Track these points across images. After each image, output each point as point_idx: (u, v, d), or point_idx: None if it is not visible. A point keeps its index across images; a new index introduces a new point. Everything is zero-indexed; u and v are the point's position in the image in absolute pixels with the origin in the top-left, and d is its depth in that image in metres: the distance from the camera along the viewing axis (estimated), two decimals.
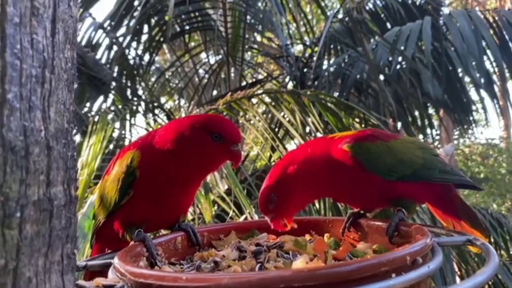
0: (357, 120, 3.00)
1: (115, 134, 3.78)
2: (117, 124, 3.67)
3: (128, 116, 3.76)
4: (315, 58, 4.03)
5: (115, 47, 4.52)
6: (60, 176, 0.58)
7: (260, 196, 1.12)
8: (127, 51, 4.59)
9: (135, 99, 4.42)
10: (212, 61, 4.91)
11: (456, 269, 3.26)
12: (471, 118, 4.45)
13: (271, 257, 0.92)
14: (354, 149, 1.07)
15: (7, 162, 0.49)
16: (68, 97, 0.61)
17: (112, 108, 4.04)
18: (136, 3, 4.34)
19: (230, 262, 0.92)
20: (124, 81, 4.64)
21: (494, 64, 3.95)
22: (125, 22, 4.44)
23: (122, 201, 1.06)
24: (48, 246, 0.54)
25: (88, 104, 4.39)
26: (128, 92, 4.60)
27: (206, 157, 1.04)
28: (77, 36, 0.66)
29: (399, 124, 4.12)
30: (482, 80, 3.84)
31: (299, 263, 0.82)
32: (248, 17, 4.35)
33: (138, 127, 3.94)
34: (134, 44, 4.64)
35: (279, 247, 0.97)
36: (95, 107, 4.38)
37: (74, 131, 0.66)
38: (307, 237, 1.07)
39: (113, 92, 4.48)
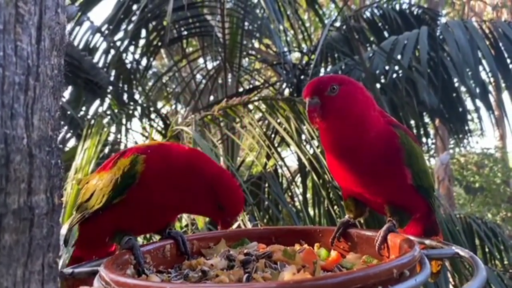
0: None
1: (111, 138, 3.77)
2: (113, 128, 3.66)
3: (124, 121, 3.75)
4: (312, 66, 4.03)
5: (112, 51, 4.51)
6: (43, 184, 0.57)
7: (321, 77, 1.05)
8: (124, 55, 4.59)
9: (131, 103, 4.41)
10: (209, 66, 4.91)
11: (450, 279, 3.26)
12: (466, 127, 4.46)
13: (259, 267, 0.91)
14: (402, 138, 1.03)
15: None
16: (53, 104, 0.61)
17: (108, 112, 4.03)
18: (134, 7, 4.35)
19: (218, 272, 0.91)
20: (120, 85, 4.63)
21: (489, 74, 3.97)
22: (123, 26, 4.44)
23: (114, 200, 1.05)
24: (27, 255, 0.53)
25: (84, 108, 4.38)
26: (125, 96, 4.59)
27: (203, 211, 1.14)
28: (65, 42, 0.65)
29: None
30: (478, 90, 3.85)
31: (287, 274, 0.81)
32: (246, 23, 4.37)
33: (134, 132, 3.93)
34: (131, 48, 4.64)
35: (267, 257, 0.96)
36: (91, 111, 4.37)
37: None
38: (297, 246, 1.07)
39: (109, 96, 4.47)
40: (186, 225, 2.55)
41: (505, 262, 3.90)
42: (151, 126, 4.11)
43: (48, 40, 0.59)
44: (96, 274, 0.90)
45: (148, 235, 2.71)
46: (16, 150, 0.52)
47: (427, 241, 1.05)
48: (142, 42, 4.63)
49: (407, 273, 0.74)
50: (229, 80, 4.71)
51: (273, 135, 3.67)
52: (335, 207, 3.06)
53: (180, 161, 1.05)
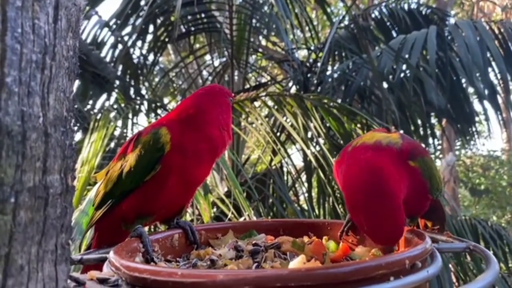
0: (359, 126, 2.99)
1: (117, 133, 3.78)
2: (119, 123, 3.66)
3: (130, 115, 3.75)
4: (319, 64, 4.02)
5: (120, 46, 4.52)
6: (57, 164, 0.57)
7: (398, 224, 0.87)
8: (131, 50, 4.59)
9: (138, 98, 4.41)
10: (216, 63, 4.91)
11: (454, 280, 3.24)
12: (473, 129, 4.43)
13: (268, 257, 0.91)
14: (422, 168, 0.99)
15: (3, 146, 0.49)
16: (68, 85, 0.60)
17: (115, 106, 4.04)
18: (142, 2, 4.35)
19: (226, 261, 0.91)
20: (127, 80, 4.64)
21: (498, 75, 3.94)
22: (131, 21, 4.45)
23: (146, 177, 1.05)
24: (42, 234, 0.53)
25: (91, 102, 4.40)
26: (131, 91, 4.60)
27: (230, 116, 1.17)
28: (80, 25, 0.65)
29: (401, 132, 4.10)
30: (486, 92, 3.83)
31: (297, 263, 0.81)
32: (254, 20, 4.35)
33: (140, 126, 3.93)
34: (139, 43, 4.64)
35: (276, 248, 0.96)
36: (98, 105, 4.38)
37: (75, 123, 0.65)
38: (305, 239, 1.06)
39: (116, 90, 4.48)
40: (192, 220, 2.55)
41: (510, 265, 3.88)
42: None
43: (65, 20, 0.59)
44: (104, 261, 0.90)
45: (152, 227, 2.72)
46: (32, 128, 0.52)
47: (437, 236, 1.05)
48: (149, 37, 4.64)
49: (419, 264, 0.73)
50: (236, 77, 4.71)
51: (279, 132, 3.67)
52: (340, 205, 3.05)
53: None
